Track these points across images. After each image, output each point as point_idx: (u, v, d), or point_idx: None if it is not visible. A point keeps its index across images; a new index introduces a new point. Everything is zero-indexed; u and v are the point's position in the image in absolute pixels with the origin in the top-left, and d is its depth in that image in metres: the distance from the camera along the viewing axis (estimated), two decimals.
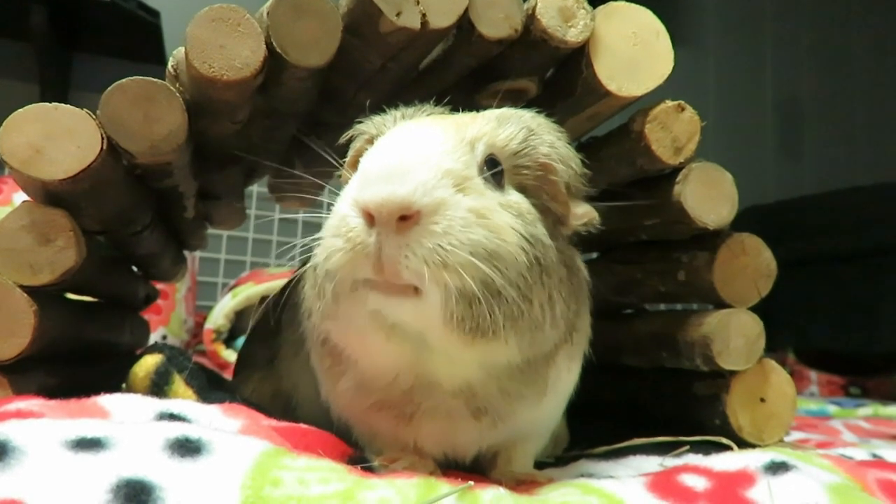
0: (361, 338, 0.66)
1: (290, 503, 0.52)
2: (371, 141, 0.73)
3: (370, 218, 0.60)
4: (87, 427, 0.56)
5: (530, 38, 0.87)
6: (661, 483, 0.66)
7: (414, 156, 0.62)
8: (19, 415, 0.62)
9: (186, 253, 1.55)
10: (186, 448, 0.55)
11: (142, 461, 0.52)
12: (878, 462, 0.84)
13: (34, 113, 0.75)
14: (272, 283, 2.32)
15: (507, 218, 0.64)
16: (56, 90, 2.38)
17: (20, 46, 2.47)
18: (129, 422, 0.63)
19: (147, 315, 1.48)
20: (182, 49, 0.80)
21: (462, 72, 0.95)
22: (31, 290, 0.76)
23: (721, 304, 0.96)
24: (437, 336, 0.63)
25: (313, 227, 0.69)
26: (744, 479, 0.65)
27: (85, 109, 0.76)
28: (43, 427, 0.55)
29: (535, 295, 0.65)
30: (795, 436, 1.29)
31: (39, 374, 0.83)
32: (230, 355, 2.25)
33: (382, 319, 0.63)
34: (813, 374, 2.96)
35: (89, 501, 0.48)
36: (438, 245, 0.59)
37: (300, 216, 2.98)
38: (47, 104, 0.75)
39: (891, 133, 4.19)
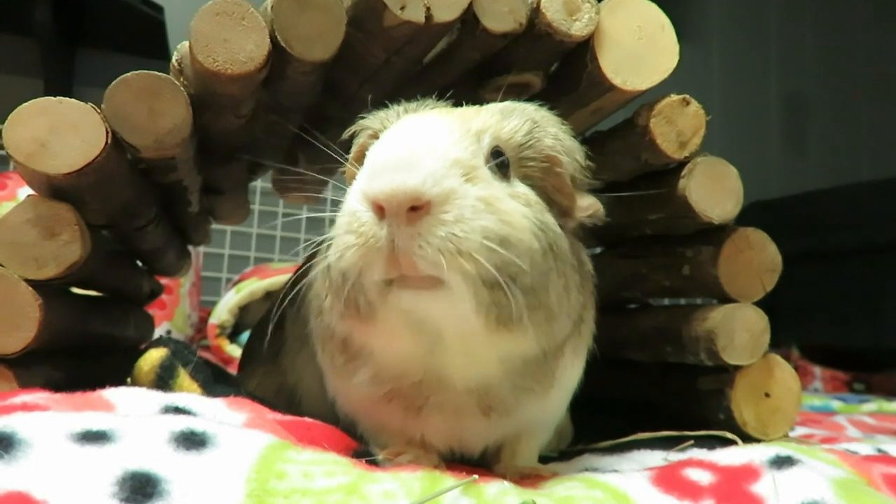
0: (392, 338, 0.66)
1: (295, 496, 0.52)
2: (375, 136, 0.73)
3: (380, 210, 0.59)
4: (93, 420, 0.56)
5: (535, 31, 0.86)
6: (666, 477, 0.66)
7: (421, 146, 0.61)
8: (25, 408, 0.62)
9: (190, 248, 1.55)
10: (192, 441, 0.55)
11: (147, 454, 0.52)
12: (883, 457, 0.84)
13: (39, 107, 0.75)
14: (276, 279, 2.32)
15: (516, 206, 0.64)
16: (60, 85, 2.38)
17: (24, 42, 2.47)
18: (135, 415, 0.63)
19: (151, 310, 1.48)
20: (186, 43, 0.80)
21: (466, 66, 0.95)
22: (36, 284, 0.76)
23: (726, 299, 0.96)
24: (462, 328, 0.63)
25: (317, 222, 0.69)
26: (749, 473, 0.65)
27: (90, 103, 0.76)
28: (48, 420, 0.55)
29: (552, 282, 0.65)
30: (799, 431, 1.28)
31: (45, 367, 0.83)
32: (234, 350, 2.25)
33: (413, 317, 0.63)
34: (817, 370, 2.95)
35: (95, 494, 0.48)
36: (451, 233, 0.59)
37: (304, 211, 2.98)
38: (52, 98, 0.75)
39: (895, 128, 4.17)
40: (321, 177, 0.83)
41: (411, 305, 0.62)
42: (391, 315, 0.63)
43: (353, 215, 0.62)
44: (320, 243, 0.69)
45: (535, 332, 0.65)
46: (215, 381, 0.89)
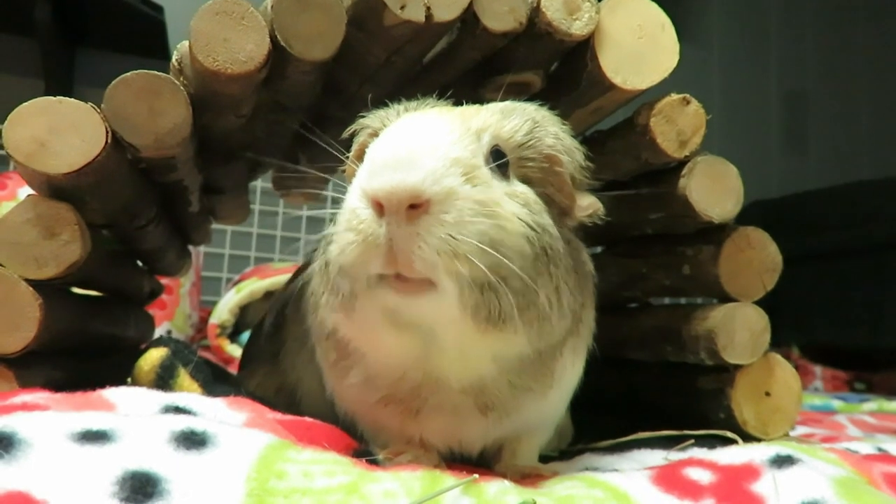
0: (373, 333, 0.66)
1: (295, 496, 0.52)
2: (375, 134, 0.73)
3: (379, 207, 0.59)
4: (93, 420, 0.56)
5: (535, 31, 0.86)
6: (667, 476, 0.66)
7: (422, 144, 0.62)
8: (25, 407, 0.62)
9: (191, 248, 1.55)
10: (192, 441, 0.55)
11: (147, 453, 0.52)
12: (884, 456, 0.83)
13: (39, 107, 0.75)
14: (276, 278, 2.33)
15: (513, 208, 0.64)
16: (60, 85, 2.38)
17: (24, 42, 2.47)
18: (135, 415, 0.63)
19: (151, 310, 1.48)
20: (186, 43, 0.80)
21: (466, 65, 0.95)
22: (36, 284, 0.76)
23: (726, 298, 0.96)
24: (452, 328, 0.63)
25: (317, 222, 0.69)
26: (749, 472, 0.65)
27: (90, 103, 0.76)
28: (49, 419, 0.55)
29: (543, 285, 0.65)
30: (800, 430, 1.28)
31: (45, 367, 0.83)
32: (234, 350, 2.25)
33: (397, 317, 0.63)
34: (817, 370, 2.96)
35: (95, 493, 0.48)
36: (449, 235, 0.59)
37: (304, 211, 2.98)
38: (52, 98, 0.75)
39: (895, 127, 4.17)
40: (322, 175, 0.83)
41: (396, 306, 0.62)
42: (369, 305, 0.63)
43: (352, 212, 0.62)
44: (319, 241, 0.69)
45: (527, 331, 0.65)
46: (215, 380, 0.89)
